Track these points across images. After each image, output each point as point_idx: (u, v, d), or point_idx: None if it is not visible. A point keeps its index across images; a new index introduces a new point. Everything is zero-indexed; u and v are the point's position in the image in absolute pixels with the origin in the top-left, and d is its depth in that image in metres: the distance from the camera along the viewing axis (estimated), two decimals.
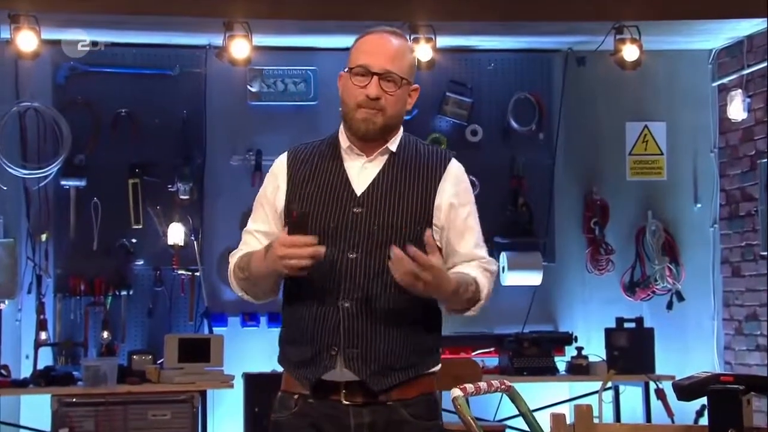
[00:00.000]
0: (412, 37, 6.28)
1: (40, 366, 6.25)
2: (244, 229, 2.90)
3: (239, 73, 6.73)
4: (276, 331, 2.91)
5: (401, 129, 2.84)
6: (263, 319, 6.75)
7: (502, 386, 2.78)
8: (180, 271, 6.75)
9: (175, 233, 6.70)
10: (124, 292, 6.67)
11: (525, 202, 7.05)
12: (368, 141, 2.78)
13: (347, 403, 2.72)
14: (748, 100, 6.82)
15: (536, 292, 7.00)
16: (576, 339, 6.71)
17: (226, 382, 6.22)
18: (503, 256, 6.88)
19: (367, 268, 2.69)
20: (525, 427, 2.79)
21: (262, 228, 2.85)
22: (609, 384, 6.19)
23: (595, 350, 6.68)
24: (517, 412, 2.85)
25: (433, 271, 2.55)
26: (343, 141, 2.82)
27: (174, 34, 6.66)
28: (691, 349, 7.07)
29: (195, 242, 6.75)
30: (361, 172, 2.79)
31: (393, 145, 2.80)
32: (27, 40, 6.00)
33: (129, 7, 6.04)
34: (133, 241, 6.74)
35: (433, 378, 2.81)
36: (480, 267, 2.79)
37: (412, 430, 2.73)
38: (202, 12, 6.10)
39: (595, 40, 6.69)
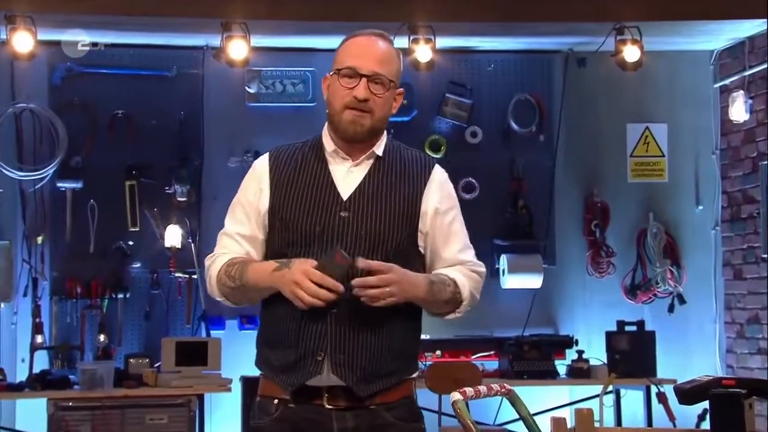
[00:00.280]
0: (411, 38, 6.26)
1: (36, 369, 6.21)
2: (222, 231, 2.86)
3: (237, 74, 6.70)
4: None
5: (386, 133, 2.83)
6: None
7: (503, 390, 2.74)
8: (177, 274, 6.71)
9: (173, 235, 6.66)
10: (120, 295, 6.64)
11: (525, 204, 7.02)
12: (354, 144, 2.76)
13: (330, 407, 2.69)
14: (750, 101, 6.80)
15: (536, 295, 6.97)
16: (577, 342, 6.68)
17: (224, 385, 6.19)
18: (503, 258, 6.86)
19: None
20: (525, 431, 2.75)
21: (243, 231, 2.81)
22: (610, 388, 6.17)
23: (596, 353, 6.65)
24: (518, 416, 2.82)
25: (392, 285, 2.58)
26: (328, 144, 2.80)
27: (171, 35, 6.63)
28: (692, 352, 7.06)
29: (192, 245, 6.72)
30: (347, 175, 2.77)
31: (379, 149, 2.79)
32: (23, 41, 5.98)
33: (125, 7, 6.02)
34: (130, 243, 6.71)
35: (412, 383, 2.82)
36: (463, 269, 2.80)
37: None
38: (200, 13, 6.08)
39: (595, 40, 6.66)
